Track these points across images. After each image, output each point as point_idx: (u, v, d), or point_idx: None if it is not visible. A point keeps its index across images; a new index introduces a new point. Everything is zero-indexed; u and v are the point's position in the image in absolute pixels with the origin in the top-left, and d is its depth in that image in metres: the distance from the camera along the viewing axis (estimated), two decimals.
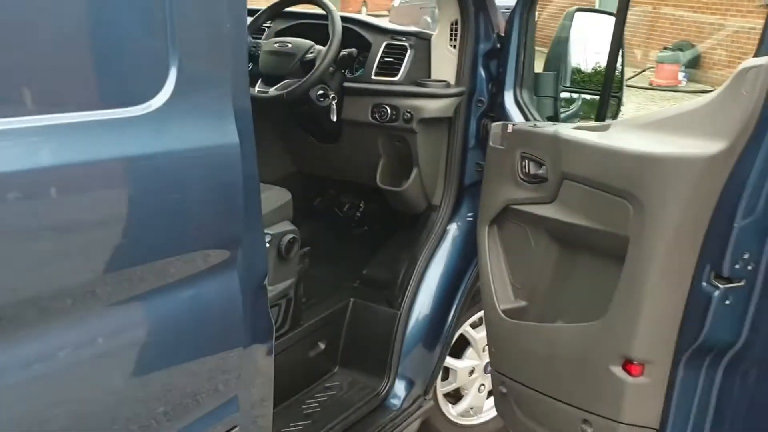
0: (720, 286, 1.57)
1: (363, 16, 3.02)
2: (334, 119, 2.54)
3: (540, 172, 2.04)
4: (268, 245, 2.06)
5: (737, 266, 1.55)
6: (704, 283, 1.59)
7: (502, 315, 2.15)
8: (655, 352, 1.67)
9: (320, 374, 2.53)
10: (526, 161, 2.11)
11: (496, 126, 2.21)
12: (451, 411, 2.88)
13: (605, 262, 1.85)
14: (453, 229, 2.67)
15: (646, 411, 1.70)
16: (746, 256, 1.54)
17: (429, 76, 2.56)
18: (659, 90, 11.27)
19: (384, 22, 2.89)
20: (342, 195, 3.18)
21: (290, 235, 2.19)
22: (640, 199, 1.62)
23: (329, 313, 2.54)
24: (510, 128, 2.13)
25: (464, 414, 2.93)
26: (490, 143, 2.24)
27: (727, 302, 1.58)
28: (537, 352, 1.98)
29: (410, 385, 2.53)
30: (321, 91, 2.51)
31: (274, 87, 2.51)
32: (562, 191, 1.93)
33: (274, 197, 2.23)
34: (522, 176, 2.12)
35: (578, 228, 1.86)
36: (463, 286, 2.65)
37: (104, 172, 1.22)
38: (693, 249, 1.59)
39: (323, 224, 3.18)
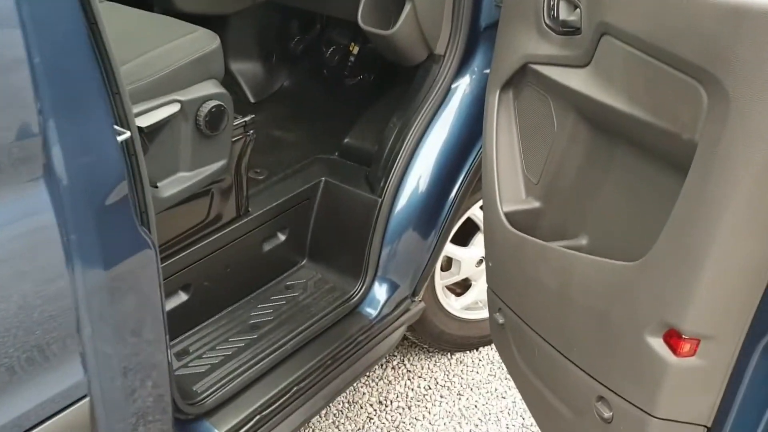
0: None
1: None
2: None
3: (572, 18, 1.34)
4: (172, 115, 1.47)
5: None
6: None
7: (505, 221, 1.53)
8: (718, 324, 1.06)
9: (280, 270, 2.02)
10: (556, 0, 1.40)
11: None
12: (454, 304, 2.37)
13: (656, 169, 1.20)
14: (461, 86, 2.00)
15: (694, 404, 1.13)
16: None
17: None
18: None
19: None
20: (330, 33, 2.49)
21: (214, 102, 1.57)
22: (724, 84, 0.94)
23: (291, 197, 1.97)
24: None
25: (470, 307, 2.42)
26: None
27: None
28: (546, 284, 1.39)
29: (392, 287, 2.00)
30: None
31: None
32: (599, 52, 1.24)
33: (189, 45, 1.59)
34: (548, 22, 1.42)
35: (619, 114, 1.19)
36: (470, 161, 2.03)
37: None
38: None
39: (306, 72, 2.52)
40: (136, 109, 1.46)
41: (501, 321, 1.59)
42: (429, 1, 1.88)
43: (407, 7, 1.86)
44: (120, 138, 1.14)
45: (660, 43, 1.03)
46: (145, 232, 1.23)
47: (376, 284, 1.97)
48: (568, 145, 1.48)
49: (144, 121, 1.46)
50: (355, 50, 2.44)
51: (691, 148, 1.02)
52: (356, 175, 2.03)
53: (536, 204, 1.58)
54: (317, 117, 2.37)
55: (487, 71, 1.97)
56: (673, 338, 1.09)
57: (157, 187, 1.55)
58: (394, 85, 2.26)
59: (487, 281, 1.66)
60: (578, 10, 1.33)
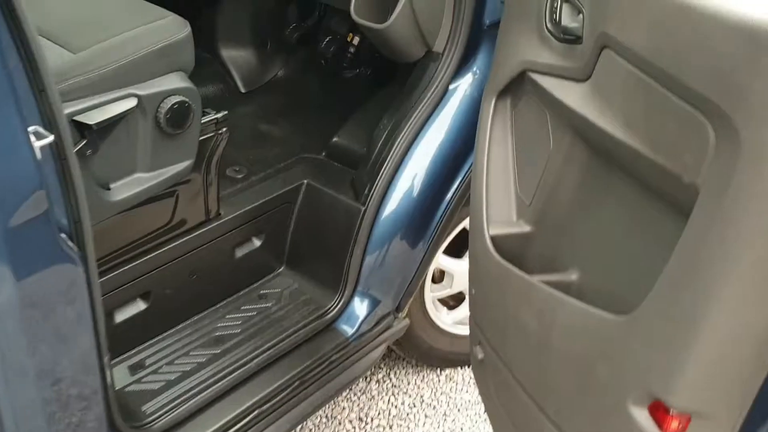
0: None
1: None
2: None
3: (574, 25, 1.17)
4: (128, 111, 1.33)
5: None
6: None
7: (490, 247, 1.37)
8: (713, 401, 0.90)
9: (255, 278, 1.87)
10: (559, 1, 1.23)
11: None
12: (445, 318, 2.22)
13: (655, 207, 1.03)
14: (460, 87, 1.83)
15: None
16: None
17: None
18: None
19: None
20: (328, 22, 2.32)
21: (177, 98, 1.42)
22: (735, 122, 0.77)
23: (270, 199, 1.82)
24: None
25: (463, 322, 2.26)
26: None
27: None
28: (527, 325, 1.23)
29: (373, 302, 1.84)
30: None
31: None
32: (600, 67, 1.07)
33: (154, 32, 1.44)
34: (549, 26, 1.25)
35: (615, 142, 1.02)
36: (466, 168, 1.86)
37: None
38: None
39: (302, 62, 2.37)
40: (85, 104, 1.33)
41: (480, 356, 1.44)
42: None
43: (402, 0, 1.69)
44: (39, 143, 1.00)
45: (663, 64, 0.86)
46: (70, 247, 1.10)
47: (356, 299, 1.83)
48: (563, 167, 1.31)
49: (93, 118, 1.32)
50: (355, 41, 2.27)
51: (693, 193, 0.85)
52: (342, 178, 1.88)
53: (527, 228, 1.41)
54: (308, 111, 2.21)
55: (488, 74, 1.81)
56: (659, 411, 0.93)
57: (109, 189, 1.42)
58: (392, 82, 2.10)
59: (470, 310, 1.50)
60: (581, 15, 1.16)
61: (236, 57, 2.32)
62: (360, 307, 1.84)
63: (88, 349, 1.21)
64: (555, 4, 1.24)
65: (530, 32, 1.32)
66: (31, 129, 1.00)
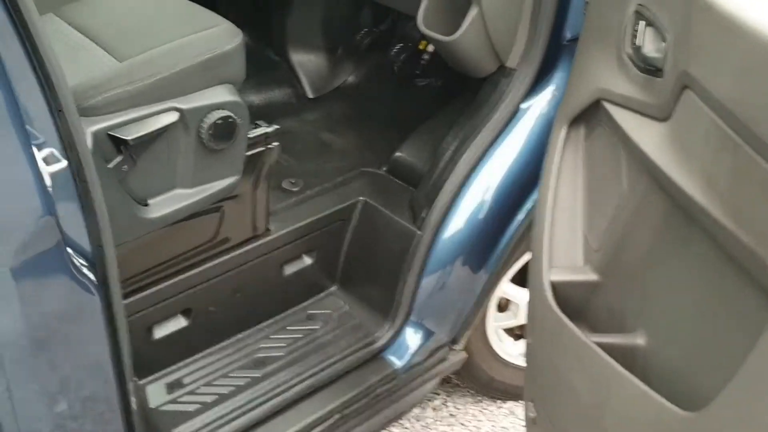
0: None
1: None
2: None
3: (656, 55, 1.01)
4: (168, 126, 1.27)
5: None
6: None
7: (549, 295, 1.23)
8: None
9: (304, 296, 1.78)
10: (642, 24, 1.07)
11: None
12: (509, 349, 2.07)
13: (739, 281, 0.86)
14: (534, 107, 1.67)
15: None
16: None
17: None
18: None
19: None
20: (402, 27, 2.20)
21: (221, 113, 1.35)
22: None
23: (324, 216, 1.73)
24: None
25: None
26: None
27: None
28: (579, 393, 1.08)
29: (426, 333, 1.72)
30: None
31: None
32: (680, 109, 0.91)
33: (203, 42, 1.37)
34: (629, 51, 1.10)
35: (693, 202, 0.86)
36: (535, 195, 1.70)
37: None
38: None
39: (374, 68, 2.26)
40: (123, 117, 1.27)
41: (532, 414, 1.29)
42: (500, 6, 1.56)
43: (472, 12, 1.55)
44: (50, 169, 0.94)
45: (751, 120, 0.70)
46: (87, 276, 1.03)
47: (407, 328, 1.71)
48: (637, 213, 1.15)
49: (130, 132, 1.26)
50: (429, 48, 2.14)
51: None
52: (400, 198, 1.76)
53: (593, 276, 1.26)
54: (374, 121, 2.10)
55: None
56: None
57: (147, 205, 1.36)
58: (463, 95, 1.96)
59: (525, 361, 1.36)
60: (665, 43, 1.00)
61: (306, 61, 2.24)
62: (412, 338, 1.72)
63: (108, 377, 1.15)
64: (637, 26, 1.08)
65: (609, 55, 1.16)
66: (43, 153, 0.94)
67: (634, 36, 1.09)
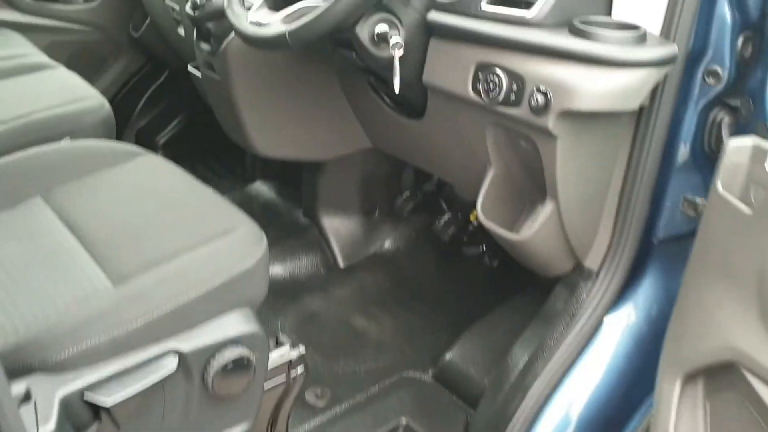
0: None
1: None
2: (398, 85, 1.25)
3: None
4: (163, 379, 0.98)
5: None
6: None
7: None
8: None
9: None
10: None
11: (738, 145, 0.88)
12: None
13: None
14: (621, 320, 1.35)
15: None
16: None
17: (606, 12, 1.18)
18: None
19: None
20: (449, 192, 1.93)
21: (234, 352, 1.05)
22: None
23: None
24: None
25: None
26: (718, 187, 0.92)
27: None
28: None
29: None
30: (380, 27, 1.23)
31: (283, 14, 1.27)
32: None
33: (215, 257, 1.10)
34: None
35: None
36: (629, 428, 1.37)
37: None
38: None
39: (414, 233, 1.98)
40: (104, 372, 0.97)
41: None
42: (581, 200, 1.28)
43: (548, 207, 1.26)
44: None
45: None
46: None
47: None
48: None
49: (111, 391, 0.96)
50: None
51: None
52: (452, 419, 1.43)
53: None
54: (415, 300, 1.80)
55: (658, 305, 1.34)
56: None
57: None
58: (529, 282, 1.65)
59: None
60: None
61: (338, 226, 1.96)
62: None
63: None
64: None
65: (745, 306, 0.88)
66: None
67: None
